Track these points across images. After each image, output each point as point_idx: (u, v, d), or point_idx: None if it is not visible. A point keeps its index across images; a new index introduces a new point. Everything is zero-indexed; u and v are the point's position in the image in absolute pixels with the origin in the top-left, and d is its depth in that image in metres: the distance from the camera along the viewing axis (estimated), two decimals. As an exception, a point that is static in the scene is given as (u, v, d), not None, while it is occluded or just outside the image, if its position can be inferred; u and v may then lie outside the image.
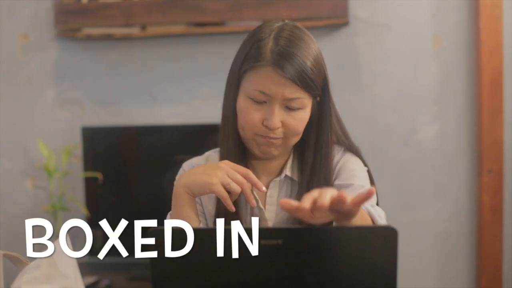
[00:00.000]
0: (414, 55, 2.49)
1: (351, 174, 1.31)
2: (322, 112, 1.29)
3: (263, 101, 1.22)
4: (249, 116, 1.24)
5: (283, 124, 1.23)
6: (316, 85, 1.23)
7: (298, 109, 1.23)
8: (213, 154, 1.39)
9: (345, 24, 2.47)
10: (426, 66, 2.49)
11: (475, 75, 2.45)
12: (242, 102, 1.25)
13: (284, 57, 1.20)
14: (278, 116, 1.22)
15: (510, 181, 2.44)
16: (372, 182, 1.38)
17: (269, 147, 1.26)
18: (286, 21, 1.28)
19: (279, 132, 1.24)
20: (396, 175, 2.50)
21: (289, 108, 1.23)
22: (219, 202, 1.28)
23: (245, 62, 1.24)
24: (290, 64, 1.19)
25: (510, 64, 2.41)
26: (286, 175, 1.33)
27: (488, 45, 2.38)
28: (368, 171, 1.38)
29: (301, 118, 1.25)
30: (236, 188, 1.16)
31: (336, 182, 1.31)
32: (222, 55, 2.66)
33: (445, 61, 2.48)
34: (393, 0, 2.48)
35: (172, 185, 1.33)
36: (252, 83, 1.23)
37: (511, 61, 2.41)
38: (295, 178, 1.32)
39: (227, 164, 1.19)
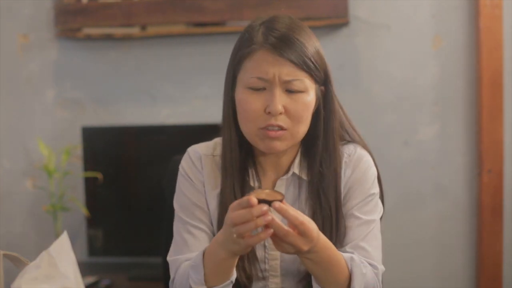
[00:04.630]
0: (414, 55, 2.49)
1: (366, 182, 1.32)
2: (327, 102, 1.25)
3: (262, 87, 1.19)
4: (250, 105, 1.19)
5: (286, 109, 1.18)
6: (315, 65, 1.20)
7: (300, 92, 1.19)
8: (220, 141, 1.32)
9: (345, 24, 2.47)
10: (426, 66, 2.49)
11: (475, 75, 2.45)
12: (240, 95, 1.21)
13: (277, 37, 1.18)
14: (279, 100, 1.17)
15: (510, 181, 2.44)
16: (379, 180, 1.37)
17: (274, 141, 1.20)
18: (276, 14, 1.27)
19: (283, 120, 1.19)
20: (396, 175, 2.50)
21: (290, 91, 1.19)
22: (221, 211, 1.28)
23: (238, 52, 1.23)
24: (283, 43, 1.17)
25: (510, 64, 2.41)
26: (294, 173, 1.28)
27: (488, 45, 2.38)
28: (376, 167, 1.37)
29: (303, 102, 1.19)
30: (263, 235, 1.07)
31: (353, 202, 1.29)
32: (222, 55, 2.66)
33: (445, 61, 2.48)
34: (393, 0, 2.48)
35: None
36: (249, 71, 1.20)
37: (511, 61, 2.41)
38: (304, 176, 1.28)
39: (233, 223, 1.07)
